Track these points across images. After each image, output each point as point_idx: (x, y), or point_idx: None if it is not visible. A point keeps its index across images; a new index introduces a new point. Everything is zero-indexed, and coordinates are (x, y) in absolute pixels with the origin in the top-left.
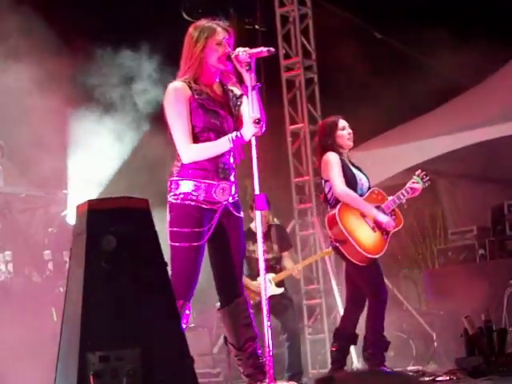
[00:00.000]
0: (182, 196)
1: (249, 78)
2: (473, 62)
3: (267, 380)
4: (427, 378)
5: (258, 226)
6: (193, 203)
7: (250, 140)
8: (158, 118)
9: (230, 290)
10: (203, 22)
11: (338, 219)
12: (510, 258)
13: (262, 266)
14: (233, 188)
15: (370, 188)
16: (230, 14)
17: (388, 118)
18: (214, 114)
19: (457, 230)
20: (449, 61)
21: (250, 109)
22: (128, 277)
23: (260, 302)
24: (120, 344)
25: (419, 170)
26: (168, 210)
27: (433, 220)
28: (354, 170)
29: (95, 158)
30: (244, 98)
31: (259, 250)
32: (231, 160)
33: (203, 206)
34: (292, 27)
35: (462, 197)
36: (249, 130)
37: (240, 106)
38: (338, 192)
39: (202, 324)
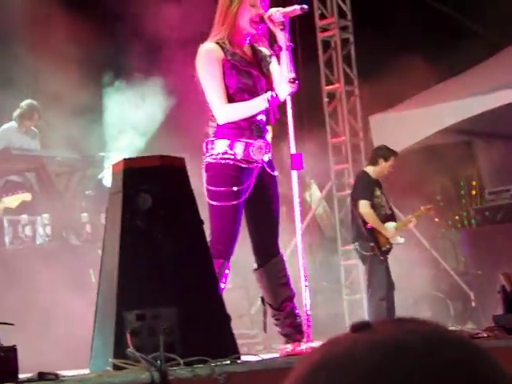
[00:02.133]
0: (219, 156)
1: (283, 38)
2: (508, 19)
3: (305, 339)
4: None
5: (294, 187)
6: (231, 162)
7: (285, 100)
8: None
9: (267, 249)
10: None
11: None
12: None
13: (298, 225)
14: (268, 147)
15: None
16: None
17: (424, 79)
18: (247, 75)
19: (494, 189)
20: (486, 19)
21: (284, 68)
22: (164, 235)
23: (389, 250)
24: (156, 302)
25: None
26: (204, 169)
27: (469, 181)
28: None
29: (131, 121)
30: (273, 58)
31: (296, 210)
32: (265, 119)
33: (241, 164)
34: None
35: (498, 156)
36: (284, 90)
37: (269, 65)
38: None
39: (240, 285)
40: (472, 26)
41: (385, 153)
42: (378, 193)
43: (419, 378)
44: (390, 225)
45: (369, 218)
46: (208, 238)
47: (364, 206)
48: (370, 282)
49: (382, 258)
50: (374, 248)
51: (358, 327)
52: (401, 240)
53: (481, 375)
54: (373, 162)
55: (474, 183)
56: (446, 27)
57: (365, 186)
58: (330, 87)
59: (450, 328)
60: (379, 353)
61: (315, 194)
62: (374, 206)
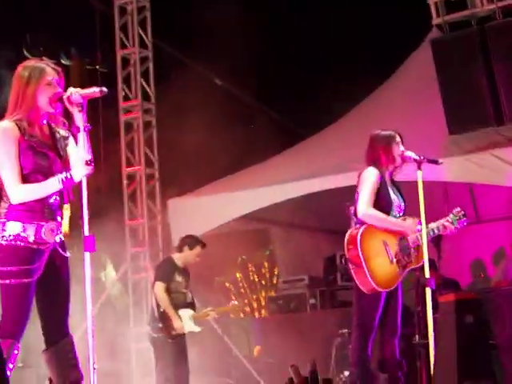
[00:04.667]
0: (10, 238)
1: (80, 119)
2: (312, 113)
3: None
4: None
5: (86, 268)
6: (22, 244)
7: (80, 180)
8: None
9: (56, 330)
10: (32, 62)
11: (358, 241)
12: (340, 308)
13: (89, 307)
14: (60, 228)
15: (404, 214)
16: (71, 54)
17: (227, 163)
18: (43, 156)
19: (288, 278)
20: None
21: (81, 149)
22: None
23: (180, 335)
24: None
25: (458, 208)
26: None
27: (262, 269)
28: (393, 193)
29: None
30: (70, 139)
31: (87, 292)
32: (58, 200)
33: (33, 246)
34: (132, 69)
35: (295, 246)
36: (79, 171)
37: (66, 147)
38: (360, 214)
39: (30, 364)
40: (274, 115)
41: (191, 241)
42: (178, 278)
43: None
44: (186, 312)
45: (161, 301)
46: None
47: (158, 288)
48: (157, 366)
49: (170, 341)
50: (164, 331)
51: None
52: (196, 329)
53: None
54: (179, 249)
55: (263, 271)
56: (246, 114)
57: (165, 269)
58: (131, 169)
59: None
60: None
61: (110, 274)
62: (170, 290)
